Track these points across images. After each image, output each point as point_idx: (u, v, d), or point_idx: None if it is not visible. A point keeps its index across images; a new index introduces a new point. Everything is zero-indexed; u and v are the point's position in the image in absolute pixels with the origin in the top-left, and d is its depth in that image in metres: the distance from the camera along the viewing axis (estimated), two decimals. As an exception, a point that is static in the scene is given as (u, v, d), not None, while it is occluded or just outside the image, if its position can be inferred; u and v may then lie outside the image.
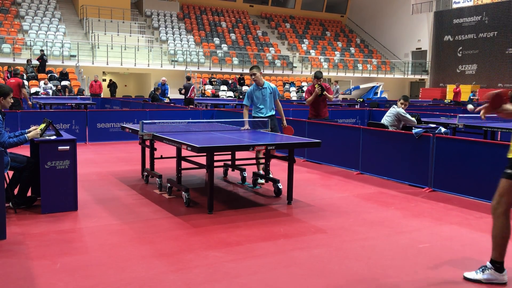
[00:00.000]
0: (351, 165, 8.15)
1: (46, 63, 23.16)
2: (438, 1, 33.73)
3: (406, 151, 7.11)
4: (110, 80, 25.05)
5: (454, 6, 33.01)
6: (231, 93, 26.40)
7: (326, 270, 3.79)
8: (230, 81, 28.01)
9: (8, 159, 4.96)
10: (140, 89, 29.11)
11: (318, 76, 8.77)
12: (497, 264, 3.48)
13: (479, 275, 3.54)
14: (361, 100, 21.77)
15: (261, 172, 6.98)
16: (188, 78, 18.11)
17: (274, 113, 7.32)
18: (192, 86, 17.38)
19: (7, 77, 19.63)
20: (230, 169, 7.62)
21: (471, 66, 31.77)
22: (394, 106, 8.38)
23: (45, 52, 23.25)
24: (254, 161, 7.13)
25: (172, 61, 27.58)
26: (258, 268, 3.81)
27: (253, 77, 7.00)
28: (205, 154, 5.24)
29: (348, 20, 40.61)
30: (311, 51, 33.96)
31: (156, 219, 5.10)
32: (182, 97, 18.85)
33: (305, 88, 29.96)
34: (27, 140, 5.12)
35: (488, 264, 3.53)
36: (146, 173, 6.98)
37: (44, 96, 18.96)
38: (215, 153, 5.34)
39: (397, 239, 4.60)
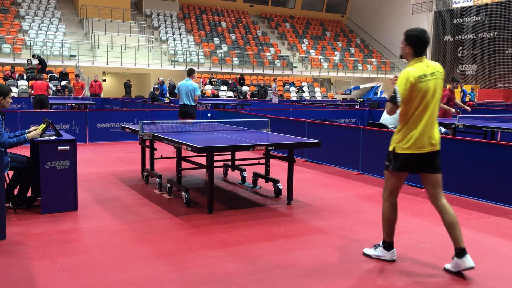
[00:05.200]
0: (351, 165, 8.15)
1: (47, 63, 23.19)
2: (438, 1, 33.74)
3: (406, 151, 7.10)
4: (128, 80, 25.74)
5: (454, 6, 33.01)
6: (231, 93, 26.40)
7: (326, 270, 3.79)
8: (230, 81, 28.01)
9: (8, 159, 4.96)
10: (140, 89, 29.11)
11: (457, 80, 10.24)
12: (386, 244, 4.03)
13: (371, 251, 4.11)
14: (361, 100, 21.77)
15: None
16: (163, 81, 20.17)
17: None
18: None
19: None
20: (230, 169, 7.62)
21: (471, 66, 31.78)
22: None
23: (40, 54, 23.32)
24: (254, 161, 7.13)
25: (172, 61, 27.59)
26: (258, 268, 3.80)
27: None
28: (205, 154, 5.24)
29: (348, 20, 40.62)
30: (311, 51, 33.96)
31: (156, 219, 5.10)
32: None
33: (305, 88, 30.01)
34: (27, 140, 5.12)
35: (380, 243, 4.10)
36: (146, 173, 6.98)
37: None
38: (215, 153, 5.34)
39: (397, 239, 4.59)
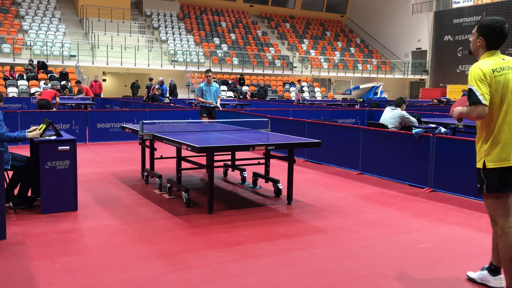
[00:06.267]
0: (351, 165, 8.15)
1: (47, 63, 23.23)
2: (438, 1, 33.73)
3: (406, 151, 7.11)
4: (136, 80, 26.08)
5: (454, 6, 33.00)
6: (231, 93, 26.40)
7: (326, 270, 3.79)
8: (230, 81, 28.00)
9: (9, 157, 4.97)
10: (140, 89, 29.11)
11: None
12: (492, 267, 3.46)
13: (474, 274, 3.58)
14: (361, 100, 21.80)
15: None
16: (150, 79, 20.38)
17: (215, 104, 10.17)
18: (153, 86, 19.47)
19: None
20: (230, 169, 7.62)
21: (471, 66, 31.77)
22: (391, 107, 8.38)
23: (40, 54, 23.43)
24: (254, 161, 7.14)
25: (172, 61, 27.59)
26: (258, 268, 3.81)
27: (210, 77, 10.01)
28: (205, 154, 5.24)
29: (348, 20, 40.61)
30: (311, 51, 33.95)
31: (156, 219, 5.11)
32: (185, 96, 21.56)
33: (305, 88, 29.99)
34: (26, 138, 5.10)
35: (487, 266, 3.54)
36: (146, 173, 6.98)
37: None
38: (215, 153, 5.34)
39: (397, 239, 4.60)
